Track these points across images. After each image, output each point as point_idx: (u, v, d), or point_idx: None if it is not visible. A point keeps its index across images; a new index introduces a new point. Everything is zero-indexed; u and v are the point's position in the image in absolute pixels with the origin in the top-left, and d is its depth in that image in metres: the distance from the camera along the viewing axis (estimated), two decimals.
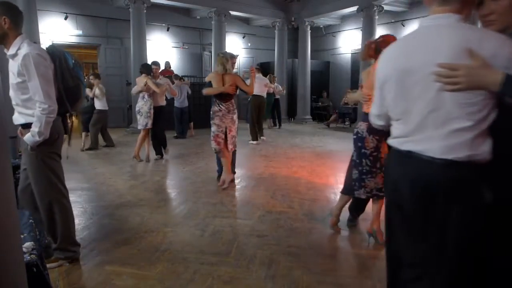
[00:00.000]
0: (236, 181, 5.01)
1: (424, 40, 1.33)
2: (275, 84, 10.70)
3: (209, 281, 2.43)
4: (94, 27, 10.76)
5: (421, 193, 1.31)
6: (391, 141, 1.48)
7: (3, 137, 1.12)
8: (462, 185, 1.26)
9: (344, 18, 13.03)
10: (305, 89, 12.85)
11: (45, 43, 9.67)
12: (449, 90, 1.22)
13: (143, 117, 6.06)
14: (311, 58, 13.08)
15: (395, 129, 1.46)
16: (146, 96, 6.07)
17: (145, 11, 9.94)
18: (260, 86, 8.60)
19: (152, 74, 6.22)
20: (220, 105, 4.62)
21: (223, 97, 4.60)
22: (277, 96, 11.03)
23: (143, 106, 6.06)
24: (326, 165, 6.13)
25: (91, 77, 7.60)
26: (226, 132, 4.62)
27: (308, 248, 2.94)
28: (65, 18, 10.13)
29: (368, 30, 10.46)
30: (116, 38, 11.15)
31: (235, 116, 4.68)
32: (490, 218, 1.26)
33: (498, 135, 1.26)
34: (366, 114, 2.92)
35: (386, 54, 1.48)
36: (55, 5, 9.97)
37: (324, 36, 14.09)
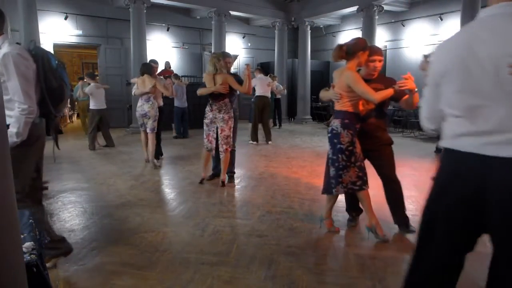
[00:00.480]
0: (236, 181, 5.01)
1: (493, 29, 1.24)
2: (276, 83, 10.71)
3: (209, 281, 2.43)
4: (94, 27, 10.76)
5: None
6: (449, 142, 1.36)
7: (3, 137, 1.12)
8: None
9: (344, 18, 13.03)
10: (305, 89, 12.85)
11: (45, 43, 9.68)
12: None
13: (151, 121, 5.77)
14: (311, 58, 13.08)
15: (456, 127, 1.33)
16: (152, 99, 5.77)
17: (145, 11, 9.95)
18: (263, 87, 8.50)
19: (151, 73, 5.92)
20: (212, 105, 4.67)
21: (215, 97, 4.63)
22: (278, 96, 11.03)
23: (150, 110, 5.74)
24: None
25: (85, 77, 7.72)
26: (217, 132, 4.66)
27: (308, 248, 2.94)
28: (65, 18, 10.14)
29: (368, 30, 10.46)
30: (116, 38, 11.16)
31: (228, 116, 4.63)
32: None
33: None
34: (338, 112, 3.06)
35: (446, 45, 1.38)
36: (55, 5, 9.98)
37: (324, 36, 14.10)
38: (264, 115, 8.44)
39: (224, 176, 4.80)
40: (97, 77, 8.67)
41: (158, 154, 6.28)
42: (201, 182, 4.85)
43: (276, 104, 11.15)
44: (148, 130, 5.85)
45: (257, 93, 8.43)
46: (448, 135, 1.38)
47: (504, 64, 1.16)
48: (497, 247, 1.34)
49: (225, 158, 4.73)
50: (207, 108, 4.70)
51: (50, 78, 2.40)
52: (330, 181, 3.10)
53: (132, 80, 6.17)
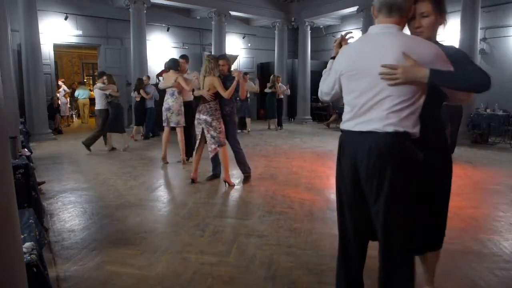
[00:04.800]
0: (236, 181, 5.01)
1: (375, 44, 1.71)
2: (279, 84, 10.79)
3: (209, 281, 2.43)
4: (94, 27, 10.77)
5: (375, 160, 1.62)
6: (345, 125, 1.77)
7: (3, 137, 1.12)
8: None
9: (344, 18, 13.03)
10: (305, 89, 12.86)
11: (45, 43, 9.69)
12: (392, 84, 1.60)
13: (174, 115, 5.88)
14: (311, 59, 13.09)
15: (345, 115, 1.77)
16: (176, 93, 5.87)
17: (145, 11, 9.95)
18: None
19: (179, 69, 5.97)
20: (199, 106, 4.73)
21: (202, 98, 4.69)
22: (281, 96, 11.06)
23: (173, 104, 5.86)
24: (326, 165, 6.13)
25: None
26: (203, 132, 4.70)
27: (308, 249, 2.94)
28: (65, 19, 10.14)
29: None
30: (116, 38, 11.16)
31: (211, 118, 4.58)
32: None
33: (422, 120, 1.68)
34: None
35: (347, 50, 1.86)
36: (55, 5, 9.98)
37: (324, 37, 14.10)
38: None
39: (226, 176, 4.74)
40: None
41: (189, 152, 6.13)
42: (192, 182, 4.86)
43: (278, 104, 11.16)
44: (172, 124, 5.95)
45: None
46: (344, 121, 1.79)
47: (378, 70, 1.61)
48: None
49: (222, 157, 4.70)
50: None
51: None
52: None
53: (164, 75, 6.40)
